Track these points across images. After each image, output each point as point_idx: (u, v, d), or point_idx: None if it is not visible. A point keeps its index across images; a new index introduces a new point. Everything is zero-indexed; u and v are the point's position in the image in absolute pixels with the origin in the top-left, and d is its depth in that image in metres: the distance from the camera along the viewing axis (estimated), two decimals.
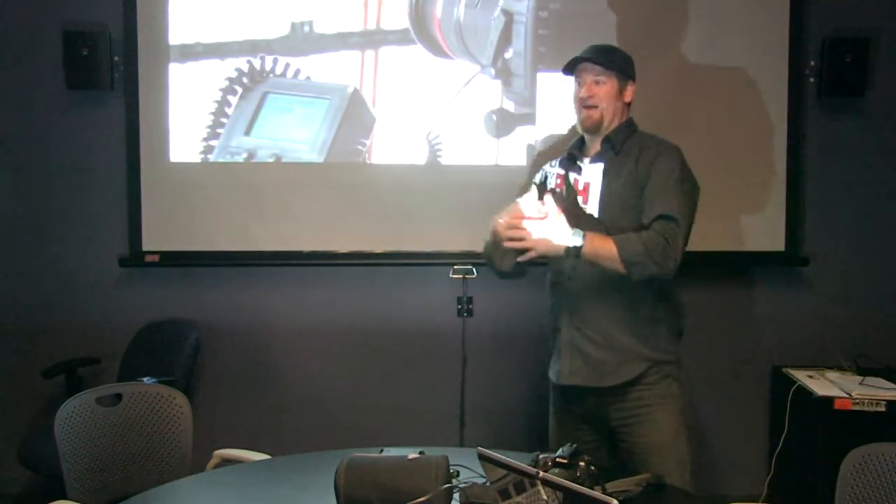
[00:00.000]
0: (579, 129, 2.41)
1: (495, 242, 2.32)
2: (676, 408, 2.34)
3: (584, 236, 2.20)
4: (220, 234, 3.54)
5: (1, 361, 3.63)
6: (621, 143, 2.35)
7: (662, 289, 2.32)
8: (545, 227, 2.20)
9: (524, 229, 2.20)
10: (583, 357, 2.33)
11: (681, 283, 2.36)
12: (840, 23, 3.51)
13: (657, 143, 2.36)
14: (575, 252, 2.19)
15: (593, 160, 2.38)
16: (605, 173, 2.34)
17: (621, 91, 2.36)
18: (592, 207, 2.35)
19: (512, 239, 2.21)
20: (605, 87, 2.33)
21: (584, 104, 2.35)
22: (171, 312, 3.61)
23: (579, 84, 2.37)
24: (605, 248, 2.20)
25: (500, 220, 2.25)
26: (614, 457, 2.39)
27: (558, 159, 2.52)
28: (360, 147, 3.52)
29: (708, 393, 3.61)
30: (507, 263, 2.36)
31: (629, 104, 2.40)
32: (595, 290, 2.30)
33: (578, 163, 2.41)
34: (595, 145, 2.39)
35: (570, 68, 2.40)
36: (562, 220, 2.21)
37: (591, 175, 2.37)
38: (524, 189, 2.41)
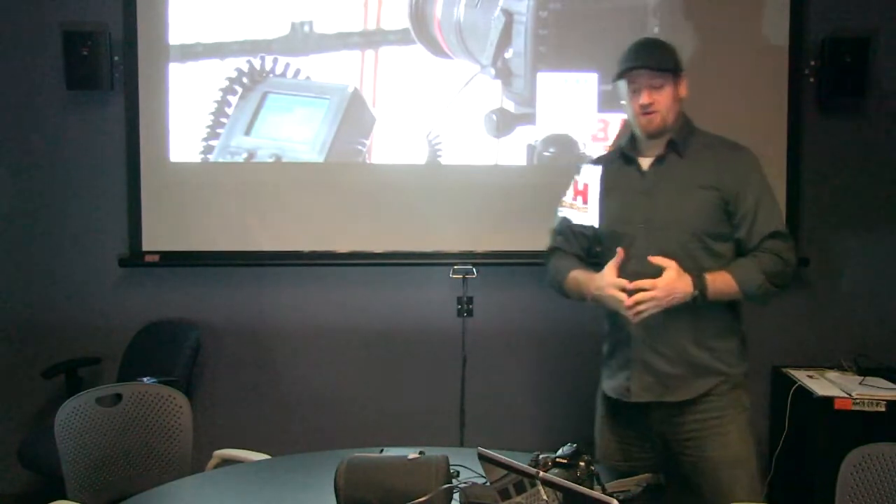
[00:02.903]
0: (639, 134, 2.29)
1: (579, 292, 2.29)
2: (747, 420, 2.24)
3: (704, 280, 2.13)
4: (220, 234, 3.54)
5: (1, 361, 3.63)
6: (685, 146, 2.26)
7: (732, 302, 2.24)
8: (673, 281, 2.11)
9: (649, 291, 2.10)
10: (654, 373, 2.23)
11: None
12: (840, 23, 3.51)
13: (728, 147, 2.28)
14: (702, 299, 2.13)
15: (656, 163, 2.27)
16: (671, 176, 2.25)
17: (677, 88, 2.27)
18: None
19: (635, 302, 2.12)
20: (664, 90, 2.23)
21: (644, 111, 2.23)
22: (171, 312, 3.61)
23: (633, 90, 2.24)
24: (726, 285, 2.15)
25: (608, 284, 2.16)
26: (670, 473, 2.24)
27: (600, 157, 2.44)
28: (360, 147, 3.52)
29: None
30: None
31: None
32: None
33: (634, 163, 2.30)
34: (654, 146, 2.28)
35: (620, 74, 2.27)
36: (682, 272, 2.12)
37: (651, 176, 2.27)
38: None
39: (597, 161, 2.44)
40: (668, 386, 2.22)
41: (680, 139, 2.27)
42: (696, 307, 2.15)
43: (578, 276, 2.31)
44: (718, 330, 2.24)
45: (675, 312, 2.15)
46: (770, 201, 2.24)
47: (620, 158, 2.34)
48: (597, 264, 2.32)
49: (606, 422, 2.38)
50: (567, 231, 2.42)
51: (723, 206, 2.21)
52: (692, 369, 2.22)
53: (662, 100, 2.23)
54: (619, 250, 2.19)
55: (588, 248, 2.41)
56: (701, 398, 2.21)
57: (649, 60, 2.23)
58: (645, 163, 2.29)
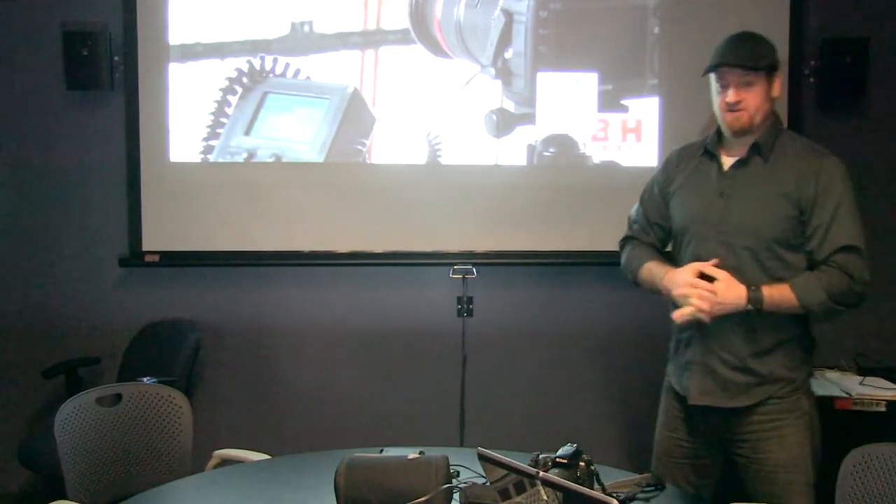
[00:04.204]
0: (725, 132, 2.23)
1: (652, 284, 2.28)
2: (806, 424, 2.21)
3: (761, 293, 2.08)
4: (220, 234, 3.54)
5: (1, 361, 3.63)
6: (770, 149, 2.19)
7: None
8: (722, 290, 2.09)
9: (705, 294, 2.09)
10: (713, 377, 2.21)
11: None
12: (840, 23, 3.51)
13: (815, 156, 2.19)
14: (756, 312, 2.10)
15: (738, 165, 2.21)
16: (751, 180, 2.19)
17: (770, 87, 2.19)
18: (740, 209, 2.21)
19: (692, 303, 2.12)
20: (754, 89, 2.15)
21: (730, 108, 2.16)
22: (171, 312, 3.61)
23: (722, 86, 2.18)
24: (785, 300, 2.09)
25: (682, 281, 2.15)
26: (720, 474, 2.29)
27: (686, 147, 2.39)
28: (360, 147, 3.52)
29: None
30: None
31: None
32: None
33: (716, 160, 2.25)
34: (739, 145, 2.22)
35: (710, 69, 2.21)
36: (734, 282, 2.10)
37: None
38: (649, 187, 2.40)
39: (683, 151, 2.38)
40: (727, 391, 2.20)
41: (765, 142, 2.20)
42: (759, 315, 2.11)
43: (653, 268, 2.30)
44: (782, 337, 2.18)
45: (736, 319, 2.13)
46: (848, 215, 2.14)
47: (704, 154, 2.29)
48: (672, 258, 2.30)
49: (668, 417, 2.36)
50: (644, 221, 2.40)
51: (798, 216, 2.14)
52: (752, 376, 2.18)
53: (751, 98, 2.15)
54: (715, 261, 2.14)
55: (664, 238, 2.39)
56: (759, 403, 2.19)
57: (741, 58, 2.15)
58: (727, 162, 2.23)
